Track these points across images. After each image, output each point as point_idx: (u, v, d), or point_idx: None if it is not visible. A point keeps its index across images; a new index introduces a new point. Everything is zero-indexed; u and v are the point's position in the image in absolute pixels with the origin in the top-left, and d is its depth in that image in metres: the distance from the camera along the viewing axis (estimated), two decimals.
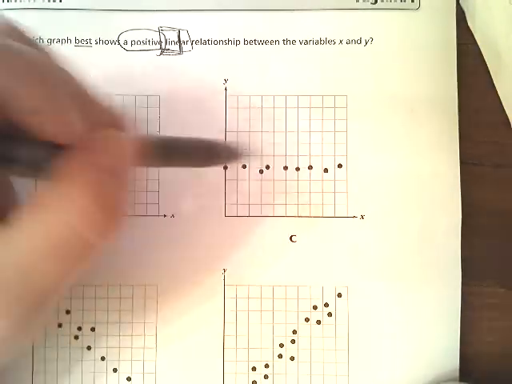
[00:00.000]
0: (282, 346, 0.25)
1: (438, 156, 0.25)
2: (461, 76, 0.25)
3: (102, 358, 0.25)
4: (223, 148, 0.22)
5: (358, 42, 0.26)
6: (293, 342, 0.25)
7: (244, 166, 0.26)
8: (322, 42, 0.26)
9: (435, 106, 0.25)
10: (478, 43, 0.26)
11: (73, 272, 0.17)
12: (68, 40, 0.26)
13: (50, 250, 0.16)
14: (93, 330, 0.25)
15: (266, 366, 0.25)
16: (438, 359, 0.25)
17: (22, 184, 0.20)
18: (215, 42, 0.26)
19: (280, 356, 0.25)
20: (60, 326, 0.25)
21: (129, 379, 0.25)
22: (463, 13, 0.26)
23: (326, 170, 0.25)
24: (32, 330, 0.18)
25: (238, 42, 0.26)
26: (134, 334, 0.25)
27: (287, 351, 0.25)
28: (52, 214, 0.16)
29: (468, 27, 0.26)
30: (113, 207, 0.17)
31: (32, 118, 0.16)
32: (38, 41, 0.26)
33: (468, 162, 0.25)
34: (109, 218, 0.17)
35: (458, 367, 0.24)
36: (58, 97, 0.16)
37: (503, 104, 0.25)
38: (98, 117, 0.18)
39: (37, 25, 0.26)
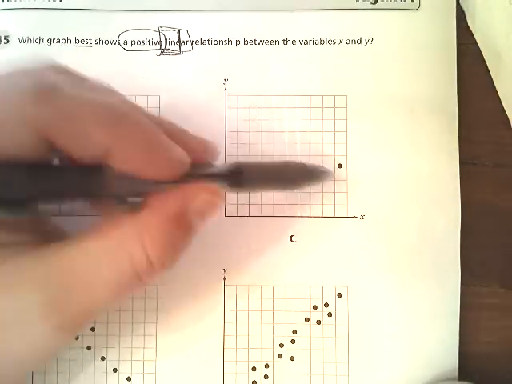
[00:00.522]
0: (282, 345, 0.25)
1: (437, 156, 0.25)
2: (460, 76, 0.25)
3: (102, 358, 0.25)
4: (309, 168, 0.22)
5: (358, 42, 0.26)
6: (293, 341, 0.25)
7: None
8: (322, 42, 0.26)
9: (435, 105, 0.25)
10: (478, 43, 0.26)
11: (115, 302, 0.18)
12: (68, 40, 0.26)
13: (107, 279, 0.17)
14: (93, 330, 0.25)
15: (266, 365, 0.25)
16: (437, 359, 0.25)
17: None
18: (215, 42, 0.26)
19: (280, 356, 0.25)
20: None
21: (129, 379, 0.25)
22: (463, 13, 0.26)
23: None
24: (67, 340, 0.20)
25: (238, 42, 0.26)
26: (133, 334, 0.25)
27: (287, 351, 0.25)
28: (120, 247, 0.17)
29: (468, 27, 0.26)
30: (175, 257, 0.19)
31: (132, 167, 0.17)
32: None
33: (468, 162, 0.25)
34: (167, 266, 0.19)
35: (456, 366, 0.24)
36: (160, 150, 0.18)
37: (503, 104, 0.25)
38: (191, 148, 0.19)
39: (37, 25, 0.26)
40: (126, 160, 0.17)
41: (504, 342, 0.25)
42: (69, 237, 0.18)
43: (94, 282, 0.17)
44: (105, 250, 0.17)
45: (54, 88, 0.17)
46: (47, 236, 0.18)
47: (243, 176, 0.19)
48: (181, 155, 0.18)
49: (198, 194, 0.19)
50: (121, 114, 0.17)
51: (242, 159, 0.25)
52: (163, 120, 0.20)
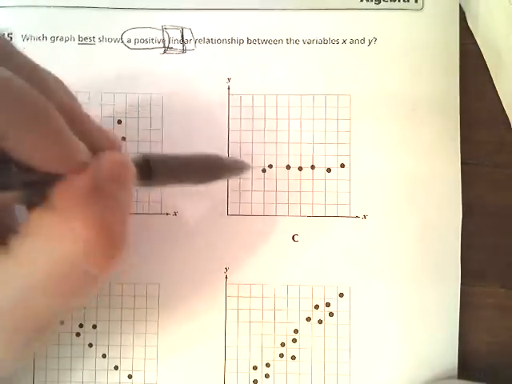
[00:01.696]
0: (283, 345, 0.25)
1: (439, 156, 0.25)
2: (461, 76, 0.25)
3: (104, 356, 0.25)
4: (226, 161, 0.21)
5: (362, 41, 0.26)
6: (294, 341, 0.25)
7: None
8: (326, 41, 0.26)
9: (437, 106, 0.25)
10: (478, 43, 0.26)
11: (73, 304, 0.17)
12: (71, 38, 0.26)
13: (50, 285, 0.15)
14: (94, 327, 0.25)
15: (267, 365, 0.25)
16: (438, 358, 0.25)
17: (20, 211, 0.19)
18: (218, 41, 0.26)
19: (281, 355, 0.25)
20: (62, 323, 0.25)
21: (130, 377, 0.25)
22: (463, 13, 0.26)
23: (328, 170, 0.25)
24: (29, 354, 0.18)
25: (241, 41, 0.26)
26: (135, 331, 0.25)
27: (288, 350, 0.25)
28: (52, 246, 0.15)
29: (468, 27, 0.26)
30: (117, 237, 0.16)
31: (31, 155, 0.15)
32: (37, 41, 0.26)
33: (468, 162, 0.25)
34: (112, 250, 0.16)
35: (456, 366, 0.24)
36: (58, 133, 0.15)
37: (503, 104, 0.25)
38: (94, 139, 0.17)
39: (40, 22, 0.26)
40: (22, 148, 0.15)
41: (504, 341, 0.25)
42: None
43: (35, 291, 0.15)
44: (35, 254, 0.15)
45: None
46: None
47: (151, 169, 0.18)
48: (79, 148, 0.16)
49: (106, 167, 0.16)
50: (23, 97, 0.15)
51: (244, 158, 0.25)
52: (71, 107, 0.17)
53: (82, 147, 0.16)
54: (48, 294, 0.16)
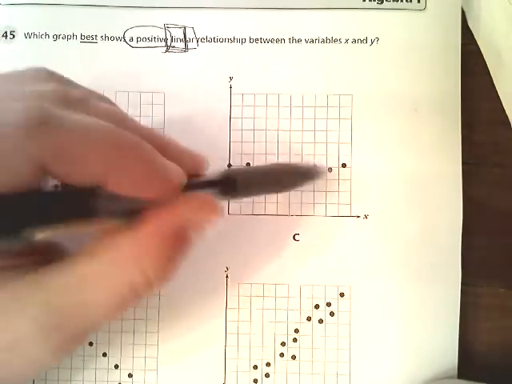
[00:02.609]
0: (283, 344, 0.25)
1: (440, 156, 0.25)
2: (461, 76, 0.25)
3: (104, 354, 0.25)
4: (302, 168, 0.22)
5: (364, 41, 0.26)
6: (294, 340, 0.25)
7: (248, 164, 0.26)
8: (328, 41, 0.26)
9: (439, 106, 0.25)
10: (478, 43, 0.26)
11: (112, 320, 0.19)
12: (74, 36, 0.26)
13: (105, 304, 0.17)
14: None
15: (268, 364, 0.25)
16: (438, 357, 0.24)
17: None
18: (221, 40, 0.26)
19: (281, 355, 0.25)
20: None
21: (130, 376, 0.25)
22: (463, 13, 0.26)
23: (330, 170, 0.25)
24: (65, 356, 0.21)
25: (243, 40, 0.26)
26: (136, 330, 0.25)
27: (289, 350, 0.25)
28: (118, 271, 0.17)
29: (468, 27, 0.26)
30: (174, 271, 0.19)
31: (127, 188, 0.17)
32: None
33: (468, 162, 0.25)
34: (166, 281, 0.18)
35: (456, 365, 0.24)
36: (151, 168, 0.17)
37: (503, 104, 0.25)
38: (182, 161, 0.19)
39: (43, 20, 0.26)
40: (123, 184, 0.17)
41: (504, 341, 0.25)
42: (69, 254, 0.18)
43: (92, 307, 0.17)
44: (102, 275, 0.17)
45: (47, 116, 0.16)
46: (48, 254, 0.18)
47: (237, 183, 0.19)
48: (177, 172, 0.18)
49: (195, 206, 0.18)
50: (116, 139, 0.17)
51: (246, 158, 0.25)
52: (155, 134, 0.19)
53: (174, 168, 0.18)
54: (100, 308, 0.17)
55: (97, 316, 0.17)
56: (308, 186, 0.25)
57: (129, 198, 0.17)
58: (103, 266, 0.17)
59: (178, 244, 0.18)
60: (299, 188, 0.24)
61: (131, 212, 0.17)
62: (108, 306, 0.17)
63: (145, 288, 0.18)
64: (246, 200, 0.25)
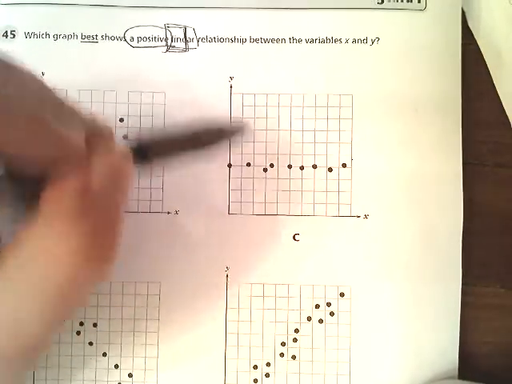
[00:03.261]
0: (283, 344, 0.25)
1: (440, 156, 0.25)
2: (461, 76, 0.25)
3: (104, 354, 0.25)
4: (223, 125, 0.21)
5: (364, 41, 0.26)
6: (294, 340, 0.25)
7: (248, 164, 0.26)
8: (328, 40, 0.26)
9: (439, 106, 0.25)
10: (479, 43, 0.26)
11: (67, 314, 0.16)
12: (74, 36, 0.26)
13: (45, 302, 0.15)
14: (95, 325, 0.25)
15: (268, 364, 0.25)
16: (438, 358, 0.24)
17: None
18: (221, 40, 0.26)
19: (282, 355, 0.25)
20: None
21: (130, 375, 0.25)
22: (463, 13, 0.26)
23: (330, 169, 0.25)
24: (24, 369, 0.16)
25: (243, 40, 0.26)
26: (136, 330, 0.25)
27: (289, 350, 0.25)
28: (46, 264, 0.14)
29: (468, 27, 0.26)
30: (112, 239, 0.16)
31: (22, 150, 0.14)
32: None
33: (468, 162, 0.25)
34: (108, 253, 0.16)
35: (457, 366, 0.24)
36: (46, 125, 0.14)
37: (503, 104, 0.25)
38: (86, 126, 0.16)
39: (43, 20, 0.26)
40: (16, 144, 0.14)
41: (504, 342, 0.25)
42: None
43: (24, 315, 0.14)
44: (29, 274, 0.14)
45: None
46: None
47: (148, 151, 0.18)
48: (75, 137, 0.15)
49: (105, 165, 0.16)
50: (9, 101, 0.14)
51: (246, 158, 0.25)
52: (56, 97, 0.16)
53: (73, 133, 0.15)
54: (40, 308, 0.15)
55: (32, 328, 0.15)
56: (308, 186, 0.25)
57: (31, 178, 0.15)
58: (25, 270, 0.14)
59: (95, 208, 0.15)
60: (219, 145, 0.22)
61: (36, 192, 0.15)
62: (48, 303, 0.15)
63: (83, 275, 0.15)
64: (246, 200, 0.25)
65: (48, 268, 0.14)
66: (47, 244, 0.14)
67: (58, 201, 0.15)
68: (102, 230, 0.15)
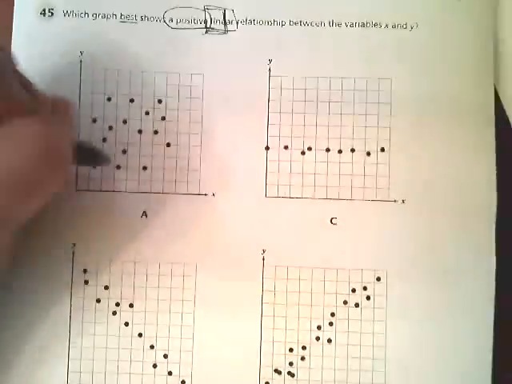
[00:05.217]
0: (319, 328, 0.25)
1: (475, 143, 0.25)
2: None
3: (140, 335, 0.25)
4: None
5: (404, 26, 0.26)
6: (330, 324, 0.25)
7: (286, 147, 0.26)
8: (368, 24, 0.26)
9: (474, 95, 0.25)
10: None
11: (24, 205, 0.20)
12: (113, 15, 0.26)
13: (7, 180, 0.18)
14: (131, 306, 0.25)
15: (303, 347, 0.25)
16: (471, 341, 0.24)
17: None
18: (260, 23, 0.26)
19: (317, 338, 0.25)
20: (98, 301, 0.25)
21: (165, 356, 0.25)
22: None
23: (368, 154, 0.25)
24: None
25: (283, 23, 0.26)
26: (172, 311, 0.25)
27: (325, 333, 0.25)
28: (11, 149, 0.19)
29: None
30: (61, 153, 0.20)
31: None
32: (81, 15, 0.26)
33: None
34: (58, 163, 0.20)
35: (491, 347, 0.24)
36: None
37: (503, 104, 0.26)
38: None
39: None
40: None
41: None
42: None
43: None
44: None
45: None
46: None
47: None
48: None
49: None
50: None
51: (284, 140, 0.25)
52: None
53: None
54: (7, 187, 0.19)
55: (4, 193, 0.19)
56: (346, 170, 0.25)
57: None
58: None
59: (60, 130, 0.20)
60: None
61: None
62: (9, 183, 0.19)
63: (39, 164, 0.19)
64: (284, 182, 0.25)
65: (16, 150, 0.19)
66: (18, 138, 0.19)
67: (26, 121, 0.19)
68: (55, 143, 0.20)
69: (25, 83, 0.21)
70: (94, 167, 0.25)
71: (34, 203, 0.20)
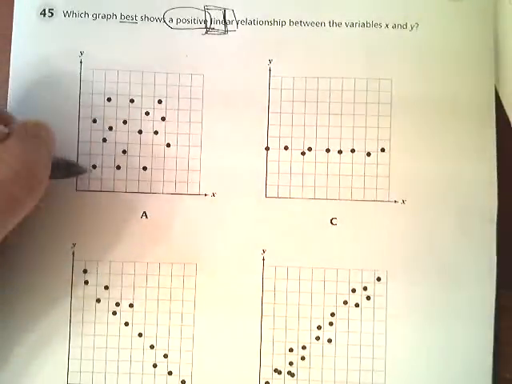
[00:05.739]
0: (319, 327, 0.25)
1: (476, 143, 0.25)
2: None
3: (140, 335, 0.25)
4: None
5: (404, 26, 0.26)
6: (330, 324, 0.25)
7: (286, 148, 0.26)
8: (368, 25, 0.26)
9: (475, 95, 0.25)
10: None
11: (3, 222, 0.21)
12: (113, 15, 0.26)
13: None
14: (131, 306, 0.25)
15: (303, 347, 0.25)
16: (472, 339, 0.24)
17: None
18: (260, 23, 0.26)
19: (317, 338, 0.25)
20: (98, 301, 0.25)
21: (165, 356, 0.25)
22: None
23: (368, 154, 0.25)
24: None
25: (283, 23, 0.26)
26: (172, 311, 0.25)
27: (325, 333, 0.25)
28: None
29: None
30: (37, 173, 0.21)
31: None
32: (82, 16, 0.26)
33: None
34: (33, 182, 0.21)
35: (491, 350, 0.24)
36: None
37: (503, 104, 0.26)
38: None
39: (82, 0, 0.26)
40: None
41: None
42: None
43: None
44: None
45: None
46: None
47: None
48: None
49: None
50: None
51: (284, 141, 0.25)
52: None
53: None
54: None
55: None
56: (346, 170, 0.25)
57: None
58: None
59: (26, 147, 0.21)
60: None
61: None
62: None
63: (15, 182, 0.20)
64: (284, 183, 0.25)
65: None
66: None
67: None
68: (31, 163, 0.21)
69: None
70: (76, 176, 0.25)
71: (10, 220, 0.21)
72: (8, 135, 0.21)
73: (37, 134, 0.22)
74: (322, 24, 0.26)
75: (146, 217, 0.25)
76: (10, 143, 0.21)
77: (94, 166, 0.25)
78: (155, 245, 0.25)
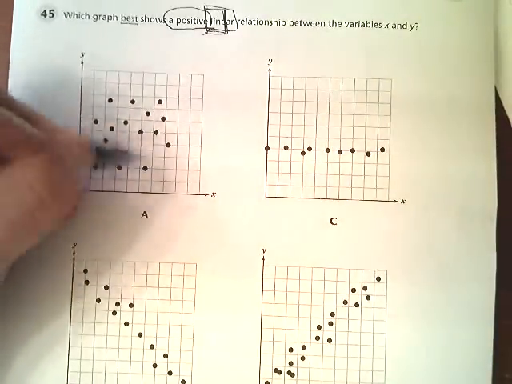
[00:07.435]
0: (319, 327, 0.25)
1: (476, 143, 0.25)
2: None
3: (140, 335, 0.25)
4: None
5: (404, 26, 0.26)
6: (330, 324, 0.25)
7: (286, 148, 0.26)
8: (368, 24, 0.26)
9: (474, 95, 0.25)
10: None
11: (22, 244, 0.21)
12: (114, 17, 0.26)
13: (6, 223, 0.19)
14: (131, 306, 0.25)
15: (303, 347, 0.25)
16: (473, 340, 0.24)
17: None
18: (260, 23, 0.26)
19: (317, 338, 0.25)
20: (98, 301, 0.25)
21: (165, 356, 0.25)
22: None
23: (368, 154, 0.25)
24: None
25: (283, 23, 0.26)
26: (172, 311, 0.25)
27: (324, 333, 0.25)
28: (10, 195, 0.19)
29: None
30: (62, 194, 0.21)
31: None
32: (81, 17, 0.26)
33: None
34: (59, 204, 0.21)
35: (491, 353, 0.24)
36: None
37: (503, 104, 0.25)
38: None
39: (83, 0, 0.26)
40: None
41: None
42: None
43: None
44: None
45: None
46: None
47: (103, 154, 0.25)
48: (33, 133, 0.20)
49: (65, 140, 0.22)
50: None
51: (283, 141, 0.25)
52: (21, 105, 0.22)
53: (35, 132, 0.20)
54: (5, 229, 0.19)
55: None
56: (346, 170, 0.25)
57: None
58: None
59: (60, 168, 0.21)
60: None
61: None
62: (8, 226, 0.19)
63: (39, 208, 0.20)
64: (284, 183, 0.25)
65: (17, 197, 0.19)
66: (19, 183, 0.20)
67: (29, 161, 0.20)
68: (59, 187, 0.20)
69: (28, 116, 0.21)
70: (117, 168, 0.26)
71: (31, 241, 0.21)
72: (42, 146, 0.20)
73: (69, 152, 0.22)
74: (322, 24, 0.26)
75: (146, 216, 0.25)
76: (36, 159, 0.20)
77: (95, 167, 0.25)
78: (155, 245, 0.25)
